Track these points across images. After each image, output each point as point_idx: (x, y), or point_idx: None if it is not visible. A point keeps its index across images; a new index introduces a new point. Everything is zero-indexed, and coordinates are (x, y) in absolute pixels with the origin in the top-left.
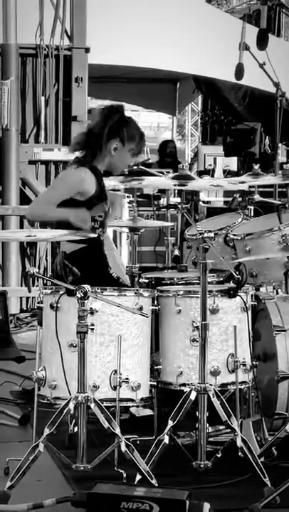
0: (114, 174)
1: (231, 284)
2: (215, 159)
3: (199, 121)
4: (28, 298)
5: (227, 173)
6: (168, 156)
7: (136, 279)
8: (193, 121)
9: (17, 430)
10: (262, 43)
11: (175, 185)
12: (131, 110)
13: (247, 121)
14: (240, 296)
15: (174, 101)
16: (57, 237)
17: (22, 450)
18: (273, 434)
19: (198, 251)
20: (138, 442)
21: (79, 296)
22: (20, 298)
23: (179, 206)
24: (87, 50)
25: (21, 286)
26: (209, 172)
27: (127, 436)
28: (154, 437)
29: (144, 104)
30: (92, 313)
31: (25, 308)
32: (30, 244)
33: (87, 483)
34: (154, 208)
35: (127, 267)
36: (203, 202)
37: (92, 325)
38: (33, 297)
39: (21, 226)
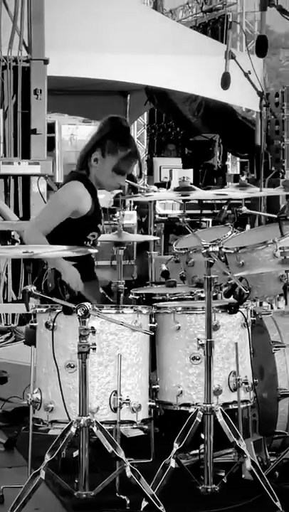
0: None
1: (231, 300)
2: (171, 171)
3: (146, 133)
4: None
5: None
6: None
7: (121, 295)
8: (139, 133)
9: (4, 455)
10: (261, 49)
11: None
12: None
13: (201, 133)
14: (241, 311)
15: (124, 113)
16: (56, 253)
17: (13, 476)
18: (273, 454)
19: (187, 265)
20: (135, 466)
21: (80, 314)
22: None
23: (181, 219)
24: (45, 61)
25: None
26: (165, 185)
27: None
28: (151, 460)
29: (94, 116)
30: (94, 332)
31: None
32: (28, 261)
33: (87, 511)
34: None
35: (111, 283)
36: (160, 215)
37: (94, 344)
38: (6, 313)
39: None
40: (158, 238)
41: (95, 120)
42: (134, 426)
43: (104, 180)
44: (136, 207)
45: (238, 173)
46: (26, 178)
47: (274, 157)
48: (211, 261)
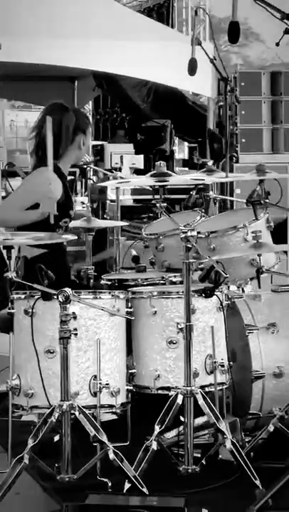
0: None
1: (206, 284)
2: (122, 157)
3: (91, 119)
4: None
5: (134, 171)
6: None
7: (91, 281)
8: None
9: None
10: (233, 35)
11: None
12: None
13: (151, 119)
14: (216, 295)
15: (72, 99)
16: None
17: None
18: (246, 434)
19: (157, 250)
20: None
21: (61, 300)
22: None
23: (158, 204)
24: None
25: None
26: (116, 170)
27: None
28: (128, 443)
29: (40, 102)
30: (75, 317)
31: None
32: (8, 248)
33: (71, 494)
34: None
35: (81, 269)
36: (111, 201)
37: (75, 329)
38: None
39: None
40: (126, 223)
41: (41, 106)
42: (114, 410)
43: (84, 153)
44: (86, 193)
45: (186, 157)
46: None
47: (228, 142)
48: (189, 245)
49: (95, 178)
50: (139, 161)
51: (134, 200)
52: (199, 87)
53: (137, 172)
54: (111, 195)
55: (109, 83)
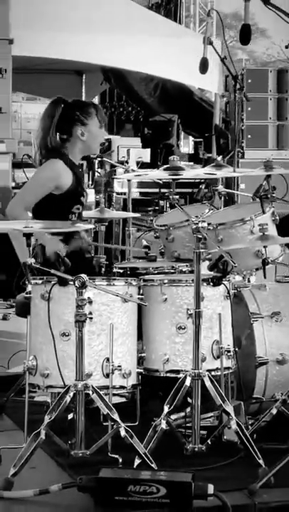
0: (94, 153)
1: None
2: (128, 151)
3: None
4: None
5: (140, 165)
6: None
7: (103, 269)
8: None
9: None
10: (244, 37)
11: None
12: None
13: (158, 113)
14: (224, 284)
15: (80, 93)
16: (52, 228)
17: (6, 439)
18: (250, 418)
19: (167, 241)
20: None
21: (77, 285)
22: None
23: (171, 197)
24: (10, 41)
25: None
26: (123, 164)
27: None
28: (136, 423)
29: (48, 95)
30: (90, 302)
31: None
32: (27, 235)
33: (84, 469)
34: None
35: (94, 257)
36: (118, 193)
37: (90, 313)
38: None
39: None
40: (138, 215)
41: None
42: (125, 391)
43: (96, 145)
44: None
45: (192, 152)
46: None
47: (233, 138)
48: (200, 236)
49: (101, 171)
50: (146, 155)
51: (141, 193)
52: (206, 82)
53: (144, 166)
54: (118, 188)
55: (117, 77)
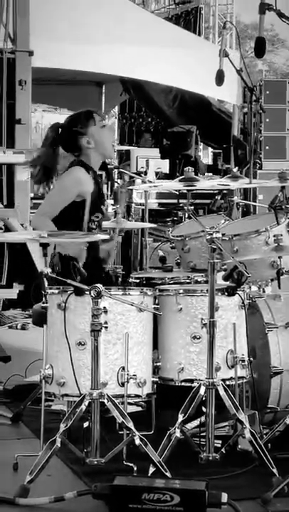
0: (111, 157)
1: (228, 283)
2: (147, 161)
3: (116, 123)
4: None
5: (159, 176)
6: None
7: (119, 279)
8: (110, 123)
9: (11, 428)
10: (259, 50)
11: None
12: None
13: (177, 124)
14: (238, 294)
15: (99, 103)
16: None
17: (23, 447)
18: (264, 427)
19: (183, 251)
20: None
21: (93, 295)
22: None
23: (186, 208)
24: (30, 53)
25: None
26: (140, 174)
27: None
28: (152, 432)
29: (69, 106)
30: (106, 312)
31: None
32: (44, 245)
33: (99, 477)
34: None
35: (110, 267)
36: (136, 204)
37: (106, 323)
38: None
39: None
40: (155, 225)
41: (71, 110)
42: (140, 400)
43: (107, 145)
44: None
45: (211, 163)
46: (10, 167)
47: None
48: (214, 247)
49: (120, 181)
50: (165, 166)
51: (159, 204)
52: (225, 94)
53: (162, 176)
54: (136, 199)
55: (136, 88)
